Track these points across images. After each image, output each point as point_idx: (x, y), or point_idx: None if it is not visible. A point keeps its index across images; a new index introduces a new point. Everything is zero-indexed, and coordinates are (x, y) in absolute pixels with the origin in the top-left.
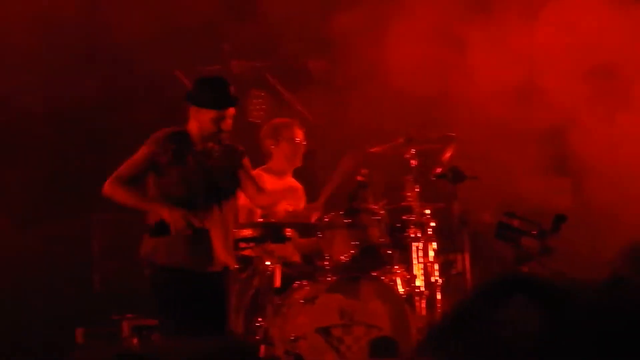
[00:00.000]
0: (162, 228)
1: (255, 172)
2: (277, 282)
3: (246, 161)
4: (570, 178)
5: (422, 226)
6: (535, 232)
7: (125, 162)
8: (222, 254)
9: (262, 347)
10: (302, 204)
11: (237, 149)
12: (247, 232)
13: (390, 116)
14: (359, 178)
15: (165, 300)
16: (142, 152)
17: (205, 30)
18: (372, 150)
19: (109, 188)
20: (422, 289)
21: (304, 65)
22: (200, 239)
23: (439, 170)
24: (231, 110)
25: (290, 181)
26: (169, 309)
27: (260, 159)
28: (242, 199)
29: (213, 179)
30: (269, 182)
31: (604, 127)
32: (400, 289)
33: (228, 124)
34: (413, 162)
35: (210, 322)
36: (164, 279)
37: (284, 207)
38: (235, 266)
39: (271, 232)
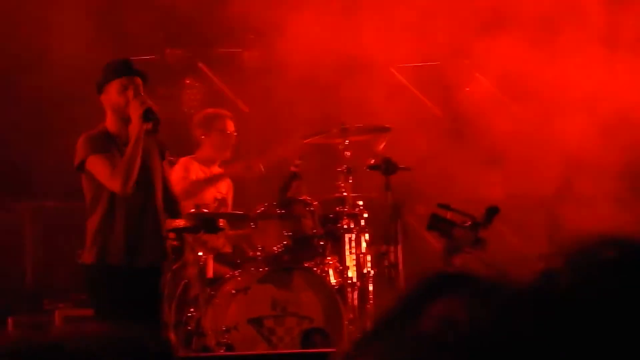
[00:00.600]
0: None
1: (184, 160)
2: (209, 273)
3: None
4: (502, 169)
5: (355, 217)
6: (467, 224)
7: (102, 172)
8: (153, 247)
9: (194, 338)
10: (230, 193)
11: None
12: (179, 223)
13: (324, 106)
14: (292, 169)
15: (97, 297)
16: (99, 159)
17: (142, 17)
18: (307, 141)
19: (117, 186)
20: (355, 280)
21: (238, 54)
22: (130, 232)
23: (372, 161)
24: (137, 80)
25: (217, 170)
26: (101, 305)
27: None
28: (176, 175)
29: (142, 165)
30: (196, 170)
31: (535, 117)
32: (333, 280)
33: (144, 100)
34: (346, 153)
35: (142, 316)
36: (93, 277)
37: (213, 194)
38: (167, 258)
39: (204, 222)
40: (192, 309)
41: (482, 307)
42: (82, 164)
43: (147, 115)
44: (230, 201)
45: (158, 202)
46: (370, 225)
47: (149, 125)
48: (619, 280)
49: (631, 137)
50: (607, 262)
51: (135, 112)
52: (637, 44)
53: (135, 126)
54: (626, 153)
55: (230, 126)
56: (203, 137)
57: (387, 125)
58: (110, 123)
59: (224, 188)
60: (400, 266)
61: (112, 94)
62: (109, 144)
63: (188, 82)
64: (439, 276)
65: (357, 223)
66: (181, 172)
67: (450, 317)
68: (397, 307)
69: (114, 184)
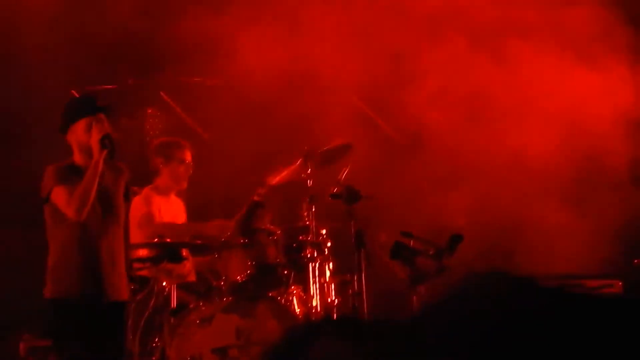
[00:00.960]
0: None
1: (144, 193)
2: (174, 303)
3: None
4: (468, 195)
5: (319, 246)
6: (431, 252)
7: (62, 201)
8: (114, 283)
9: None
10: (184, 216)
11: (123, 170)
12: (143, 252)
13: (286, 134)
14: (256, 198)
15: (58, 334)
16: (62, 189)
17: (103, 48)
18: (274, 182)
19: (71, 211)
20: (319, 309)
21: (200, 84)
22: (91, 267)
23: (334, 189)
24: (101, 116)
25: (174, 199)
26: (62, 342)
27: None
28: (138, 210)
29: (105, 201)
30: (157, 202)
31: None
32: (297, 309)
33: (102, 128)
34: (309, 182)
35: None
36: (55, 312)
37: (175, 221)
38: (127, 296)
39: (167, 252)
40: (156, 339)
41: (359, 347)
42: (49, 195)
43: (104, 141)
44: None
45: (120, 239)
46: (333, 254)
47: (105, 152)
48: (490, 317)
49: (589, 147)
50: (482, 298)
51: (94, 138)
52: (587, 50)
53: (95, 153)
54: (585, 164)
55: (189, 156)
56: (162, 165)
57: (349, 143)
58: (78, 158)
59: (182, 215)
60: (364, 295)
61: (78, 132)
62: (74, 176)
63: (150, 111)
64: (322, 320)
65: (321, 252)
66: (141, 204)
67: (331, 358)
68: (281, 348)
69: (69, 210)
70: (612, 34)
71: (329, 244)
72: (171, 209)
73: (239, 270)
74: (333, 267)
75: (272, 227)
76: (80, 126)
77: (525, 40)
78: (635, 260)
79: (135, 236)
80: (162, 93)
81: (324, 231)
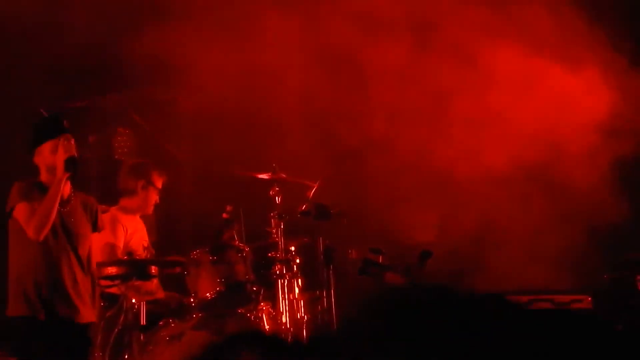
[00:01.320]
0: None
1: (111, 215)
2: (143, 319)
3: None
4: (437, 211)
5: (288, 263)
6: (400, 268)
7: (24, 218)
8: (75, 305)
9: None
10: (146, 238)
11: (92, 202)
12: (111, 270)
13: (257, 152)
14: (224, 215)
15: (21, 351)
16: (25, 206)
17: (71, 65)
18: (239, 173)
19: (31, 230)
20: (288, 325)
21: (170, 101)
22: (51, 288)
23: (304, 207)
24: (67, 136)
25: (138, 219)
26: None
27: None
28: (103, 237)
29: (69, 228)
30: (124, 222)
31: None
32: (266, 326)
33: (69, 147)
34: (278, 199)
35: None
36: (15, 329)
37: (140, 242)
38: (93, 318)
39: (136, 269)
40: (126, 356)
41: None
42: (12, 210)
43: (68, 164)
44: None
45: (82, 267)
46: (302, 271)
47: (68, 174)
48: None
49: (557, 156)
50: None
51: (60, 157)
52: (555, 55)
53: (58, 171)
54: (553, 174)
55: (160, 185)
56: (140, 188)
57: (312, 184)
58: (45, 177)
59: (145, 236)
60: (334, 311)
61: (44, 154)
62: (39, 193)
63: (120, 129)
64: (238, 336)
65: (290, 269)
66: (108, 230)
67: None
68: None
69: (29, 228)
70: (581, 39)
71: (297, 261)
72: (137, 229)
73: (208, 287)
74: (302, 283)
75: (241, 244)
76: (46, 148)
77: (490, 45)
78: (605, 275)
79: (96, 258)
80: (131, 111)
81: (292, 248)
